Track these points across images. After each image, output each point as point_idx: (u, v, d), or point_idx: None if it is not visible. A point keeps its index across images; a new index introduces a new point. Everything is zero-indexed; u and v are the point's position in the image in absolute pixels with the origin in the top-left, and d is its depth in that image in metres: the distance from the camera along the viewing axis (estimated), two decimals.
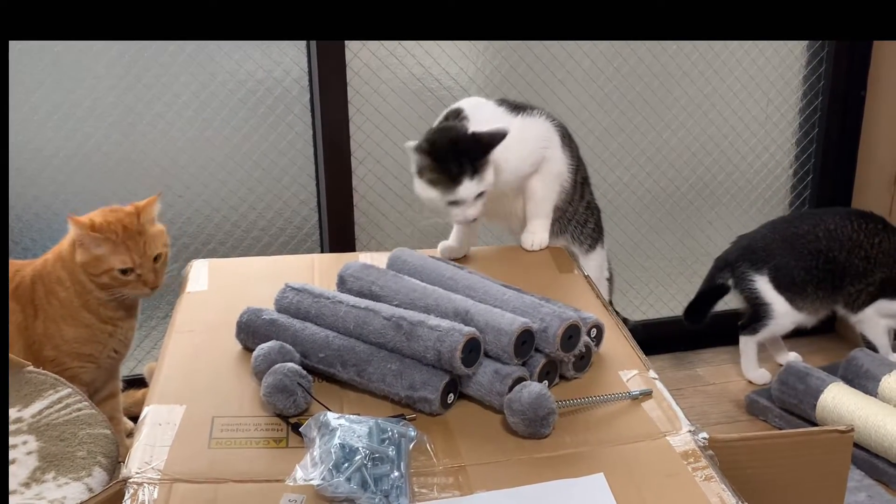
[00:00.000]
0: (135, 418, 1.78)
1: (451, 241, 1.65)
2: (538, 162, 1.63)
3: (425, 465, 1.04)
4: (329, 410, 1.09)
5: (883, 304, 2.31)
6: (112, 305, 1.72)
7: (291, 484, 0.99)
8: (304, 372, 1.15)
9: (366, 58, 2.20)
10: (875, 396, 2.09)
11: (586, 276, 1.55)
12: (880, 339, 2.35)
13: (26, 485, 1.26)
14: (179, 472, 1.02)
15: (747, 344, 2.40)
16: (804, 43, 2.54)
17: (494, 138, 1.51)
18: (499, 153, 1.53)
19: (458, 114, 1.58)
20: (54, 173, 2.09)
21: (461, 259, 1.62)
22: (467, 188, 1.51)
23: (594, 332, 1.28)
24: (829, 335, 2.64)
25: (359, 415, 1.08)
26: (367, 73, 2.21)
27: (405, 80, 2.25)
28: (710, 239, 2.61)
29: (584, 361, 1.25)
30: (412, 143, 1.52)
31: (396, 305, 1.25)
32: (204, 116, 2.16)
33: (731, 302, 2.44)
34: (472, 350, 1.14)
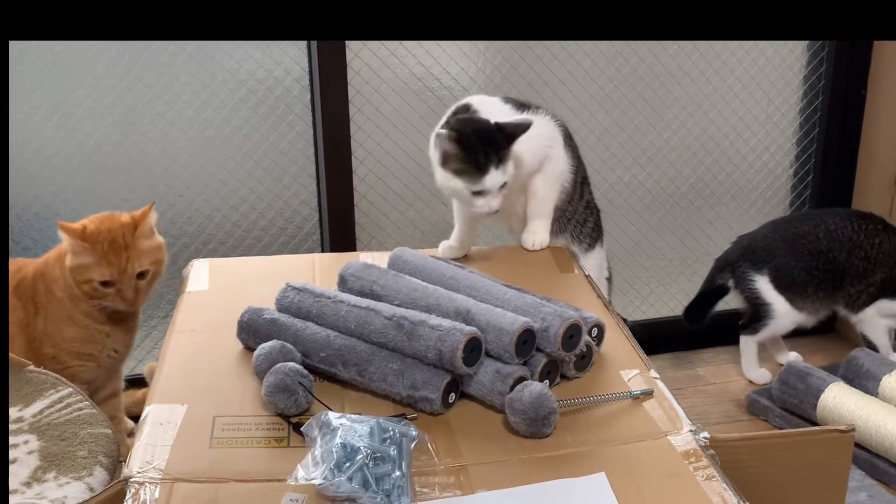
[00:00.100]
0: (135, 418, 1.78)
1: (452, 240, 1.65)
2: (542, 160, 1.64)
3: (427, 465, 1.04)
4: (330, 410, 1.09)
5: (883, 304, 2.31)
6: (105, 309, 1.71)
7: (293, 483, 0.99)
8: (306, 371, 1.15)
9: (366, 57, 2.20)
10: (876, 396, 2.09)
11: (587, 276, 1.55)
12: (881, 339, 2.35)
13: (27, 484, 1.26)
14: (181, 472, 1.02)
15: (748, 344, 2.40)
16: (804, 43, 2.54)
17: (518, 129, 1.52)
18: (515, 147, 1.54)
19: (466, 109, 1.59)
20: (54, 173, 2.09)
21: (462, 259, 1.62)
22: (493, 178, 1.51)
23: (595, 331, 1.28)
24: (830, 335, 2.64)
25: (360, 414, 1.08)
26: (367, 72, 2.21)
27: (406, 80, 2.25)
28: (711, 239, 2.61)
29: (585, 361, 1.25)
30: (442, 131, 1.51)
31: (397, 305, 1.25)
32: (204, 116, 2.16)
33: (731, 302, 2.44)
34: (474, 349, 1.14)
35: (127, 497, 0.97)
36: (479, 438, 1.10)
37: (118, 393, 1.86)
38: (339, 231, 2.26)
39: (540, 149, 1.63)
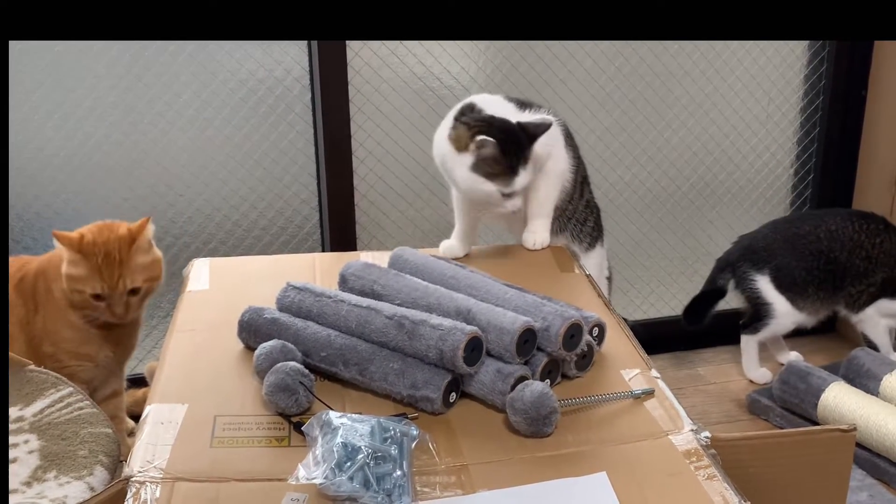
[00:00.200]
0: (136, 417, 1.78)
1: (453, 240, 1.65)
2: (545, 159, 1.64)
3: (427, 464, 1.04)
4: (331, 409, 1.09)
5: (884, 304, 2.31)
6: (96, 320, 1.71)
7: (294, 483, 0.98)
8: (306, 371, 1.15)
9: (367, 57, 2.20)
10: (876, 396, 2.09)
11: (588, 275, 1.55)
12: (881, 339, 2.35)
13: (28, 484, 1.26)
14: (181, 471, 1.02)
15: (748, 343, 2.40)
16: (805, 42, 2.54)
17: (539, 129, 1.54)
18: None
19: (471, 109, 1.58)
20: (55, 173, 2.09)
21: (463, 258, 1.62)
22: (521, 179, 1.53)
23: (596, 331, 1.27)
24: (830, 334, 2.64)
25: (361, 414, 1.08)
26: (368, 71, 2.21)
27: (406, 79, 2.25)
28: (711, 238, 2.61)
29: (586, 360, 1.25)
30: (489, 139, 1.50)
31: (398, 304, 1.25)
32: (205, 116, 2.16)
33: (731, 301, 2.44)
34: (475, 349, 1.14)
35: (128, 496, 0.97)
36: (480, 438, 1.10)
37: (120, 392, 1.86)
38: (339, 230, 2.26)
39: (543, 147, 1.63)
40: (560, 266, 1.59)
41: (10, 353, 1.46)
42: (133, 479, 1.00)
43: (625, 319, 1.42)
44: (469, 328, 1.14)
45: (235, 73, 2.15)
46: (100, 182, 2.13)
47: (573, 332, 1.19)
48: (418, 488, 1.00)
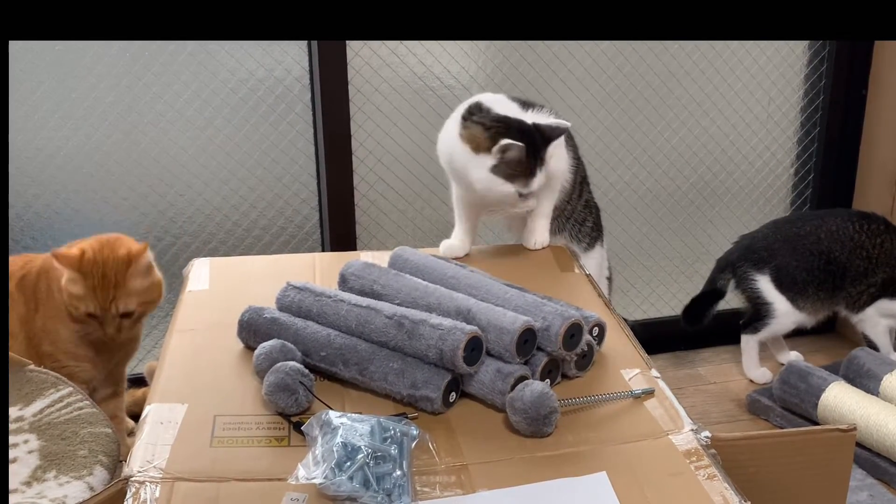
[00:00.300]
0: (135, 417, 1.78)
1: (453, 239, 1.65)
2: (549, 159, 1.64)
3: (427, 464, 1.04)
4: (331, 409, 1.09)
5: (883, 304, 2.31)
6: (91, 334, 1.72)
7: (293, 483, 0.98)
8: (306, 371, 1.15)
9: (367, 56, 2.20)
10: (877, 395, 2.09)
11: (588, 275, 1.55)
12: (881, 339, 2.35)
13: (27, 483, 1.26)
14: (181, 471, 1.02)
15: (748, 343, 2.40)
16: (805, 42, 2.54)
17: (555, 132, 1.55)
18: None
19: (479, 107, 1.58)
20: (55, 172, 2.09)
21: (463, 258, 1.62)
22: (538, 179, 1.54)
23: (596, 330, 1.27)
24: (831, 334, 2.64)
25: (361, 413, 1.08)
26: (368, 71, 2.21)
27: (406, 79, 2.25)
28: (711, 238, 2.61)
29: (586, 360, 1.25)
30: (518, 143, 1.50)
31: (398, 304, 1.25)
32: (205, 115, 2.16)
33: (731, 301, 2.43)
34: (475, 349, 1.14)
35: (127, 496, 0.97)
36: (479, 438, 1.10)
37: (120, 393, 1.86)
38: (339, 230, 2.26)
39: (550, 149, 1.63)
40: (560, 266, 1.59)
41: (10, 353, 1.46)
42: (133, 478, 1.00)
43: (625, 319, 1.42)
44: (469, 328, 1.14)
45: (235, 73, 2.15)
46: (100, 182, 2.13)
47: (573, 332, 1.19)
48: (418, 488, 1.00)
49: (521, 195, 1.55)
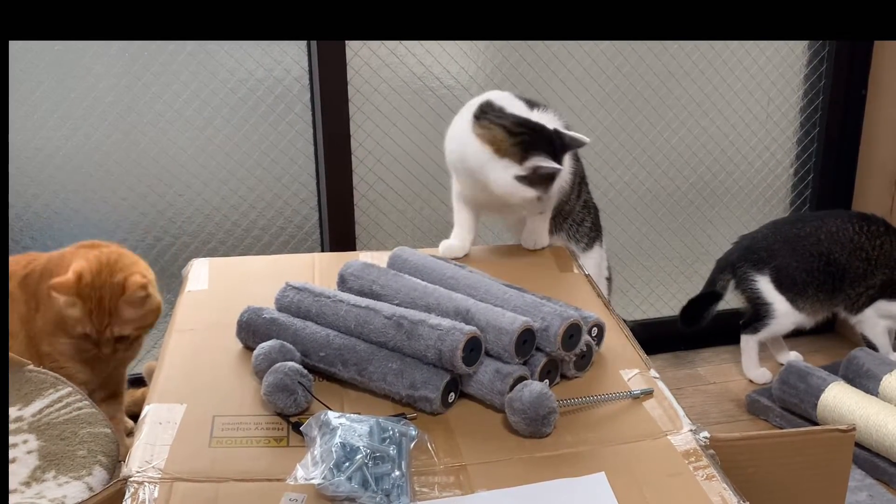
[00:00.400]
0: (134, 417, 1.78)
1: (452, 240, 1.65)
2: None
3: (426, 465, 1.04)
4: (330, 409, 1.09)
5: (882, 305, 2.31)
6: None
7: (292, 483, 0.98)
8: (305, 371, 1.15)
9: (366, 56, 2.20)
10: (876, 396, 2.09)
11: (587, 275, 1.55)
12: (880, 339, 2.35)
13: (27, 484, 1.26)
14: (180, 471, 1.02)
15: (748, 343, 2.40)
16: (805, 42, 2.54)
17: (575, 142, 1.56)
18: None
19: (490, 106, 1.57)
20: (54, 172, 2.09)
21: (462, 258, 1.62)
22: (556, 184, 1.56)
23: (595, 331, 1.27)
24: (830, 334, 2.64)
25: (359, 414, 1.08)
26: (367, 71, 2.21)
27: (406, 79, 2.25)
28: (711, 238, 2.61)
29: (585, 360, 1.25)
30: (544, 164, 1.50)
31: (397, 304, 1.25)
32: (204, 115, 2.16)
33: (731, 301, 2.43)
34: (473, 349, 1.14)
35: (126, 496, 0.97)
36: (478, 438, 1.10)
37: (120, 393, 1.86)
38: (338, 230, 2.26)
39: None
40: (559, 266, 1.59)
41: (9, 354, 1.46)
42: (131, 479, 1.00)
43: (624, 319, 1.42)
44: (468, 328, 1.14)
45: (234, 73, 2.15)
46: (99, 182, 2.13)
47: (572, 332, 1.19)
48: (417, 488, 1.00)
49: (539, 198, 1.55)
